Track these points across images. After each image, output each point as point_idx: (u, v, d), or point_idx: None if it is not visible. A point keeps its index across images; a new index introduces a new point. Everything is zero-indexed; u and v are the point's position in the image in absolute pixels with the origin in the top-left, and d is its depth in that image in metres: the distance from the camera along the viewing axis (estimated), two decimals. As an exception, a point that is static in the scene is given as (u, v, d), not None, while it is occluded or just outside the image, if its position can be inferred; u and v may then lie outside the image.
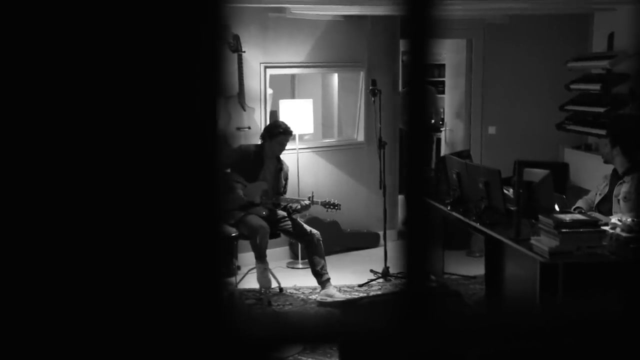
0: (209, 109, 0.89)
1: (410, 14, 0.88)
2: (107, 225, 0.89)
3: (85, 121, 0.88)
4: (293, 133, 5.88)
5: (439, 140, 7.13)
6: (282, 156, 5.96)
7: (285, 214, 5.78)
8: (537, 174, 4.70)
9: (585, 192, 5.59)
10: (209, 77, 0.89)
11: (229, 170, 5.76)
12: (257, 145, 5.85)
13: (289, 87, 8.42)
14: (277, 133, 5.70)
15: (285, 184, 5.91)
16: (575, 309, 1.11)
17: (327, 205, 5.71)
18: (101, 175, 0.88)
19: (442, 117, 7.42)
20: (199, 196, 0.90)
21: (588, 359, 1.07)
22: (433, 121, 7.20)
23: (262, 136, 5.82)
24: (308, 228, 5.72)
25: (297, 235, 5.77)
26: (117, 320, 0.90)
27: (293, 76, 8.31)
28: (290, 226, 5.74)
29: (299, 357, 4.38)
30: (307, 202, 5.72)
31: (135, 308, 0.90)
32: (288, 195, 5.93)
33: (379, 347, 0.99)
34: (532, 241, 4.08)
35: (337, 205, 5.72)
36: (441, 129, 8.28)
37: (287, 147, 6.32)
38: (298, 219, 5.85)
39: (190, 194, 0.89)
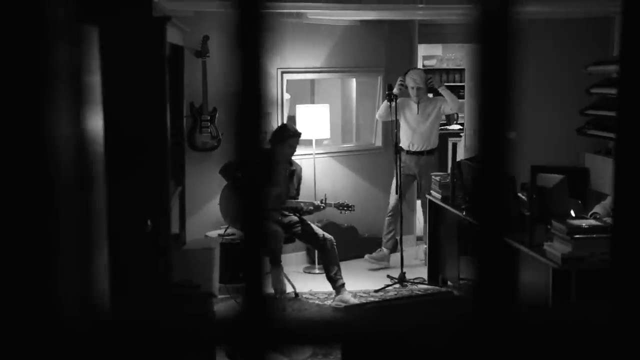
0: (32, 109, 0.87)
1: (243, 13, 0.83)
2: None
3: None
4: (301, 135, 5.84)
5: (455, 145, 7.06)
6: (298, 160, 5.95)
7: (297, 218, 5.78)
8: (552, 179, 4.65)
9: (605, 197, 5.50)
10: (31, 74, 0.86)
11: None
12: (267, 150, 5.81)
13: (308, 92, 8.42)
14: (287, 136, 5.66)
15: (298, 186, 5.90)
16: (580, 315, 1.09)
17: (340, 207, 5.68)
18: None
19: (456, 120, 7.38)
20: (24, 200, 0.88)
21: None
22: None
23: (271, 141, 5.80)
24: (321, 233, 5.70)
25: (310, 240, 5.75)
26: None
27: (312, 81, 8.31)
28: (303, 230, 5.73)
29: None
30: (317, 203, 5.70)
31: None
32: (303, 199, 5.92)
33: (381, 349, 0.98)
34: (545, 247, 4.03)
35: (350, 207, 5.68)
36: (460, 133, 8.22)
37: (304, 152, 6.31)
38: (312, 225, 5.83)
39: (16, 197, 0.88)
